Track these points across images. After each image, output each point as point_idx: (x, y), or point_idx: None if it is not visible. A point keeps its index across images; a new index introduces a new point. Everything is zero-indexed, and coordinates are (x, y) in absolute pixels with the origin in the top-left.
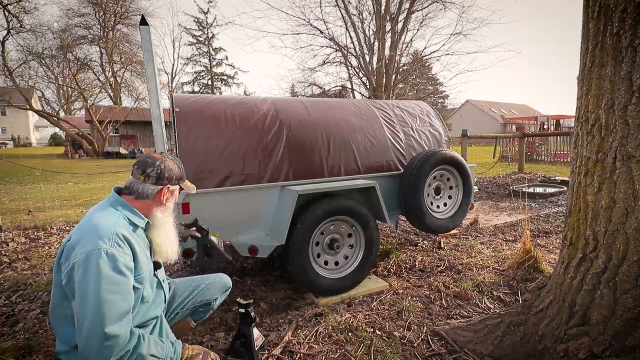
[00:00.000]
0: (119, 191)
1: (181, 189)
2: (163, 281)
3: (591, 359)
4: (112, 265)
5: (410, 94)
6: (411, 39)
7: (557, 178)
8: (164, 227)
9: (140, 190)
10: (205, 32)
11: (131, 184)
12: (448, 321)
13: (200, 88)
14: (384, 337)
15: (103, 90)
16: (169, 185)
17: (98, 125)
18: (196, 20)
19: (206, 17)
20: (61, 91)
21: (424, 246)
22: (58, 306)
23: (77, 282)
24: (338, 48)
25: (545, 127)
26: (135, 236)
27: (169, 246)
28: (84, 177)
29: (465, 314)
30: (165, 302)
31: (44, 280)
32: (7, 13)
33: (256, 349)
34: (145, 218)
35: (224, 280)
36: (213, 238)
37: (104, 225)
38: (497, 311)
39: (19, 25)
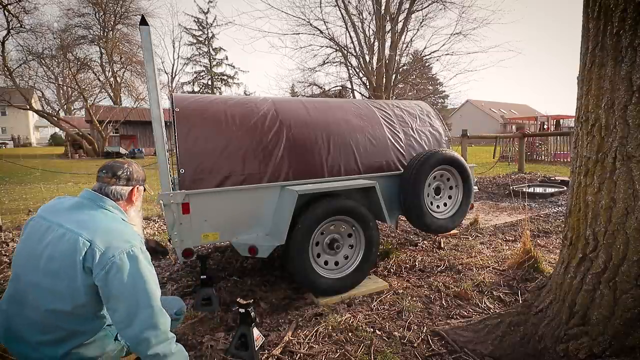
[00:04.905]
0: None
1: (144, 190)
2: None
3: (591, 359)
4: (147, 258)
5: (410, 94)
6: (411, 39)
7: (557, 178)
8: (136, 225)
9: (113, 192)
10: (205, 32)
11: (101, 188)
12: (448, 321)
13: (200, 88)
14: (384, 337)
15: (103, 90)
16: (138, 186)
17: (98, 125)
18: (196, 20)
19: (206, 17)
20: (61, 91)
21: (424, 246)
22: (85, 306)
23: (122, 281)
24: (338, 48)
25: (545, 127)
26: None
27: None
28: (84, 177)
29: (465, 314)
30: None
31: None
32: (7, 13)
33: (256, 349)
34: (126, 215)
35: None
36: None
37: (122, 227)
38: (497, 311)
39: (19, 25)
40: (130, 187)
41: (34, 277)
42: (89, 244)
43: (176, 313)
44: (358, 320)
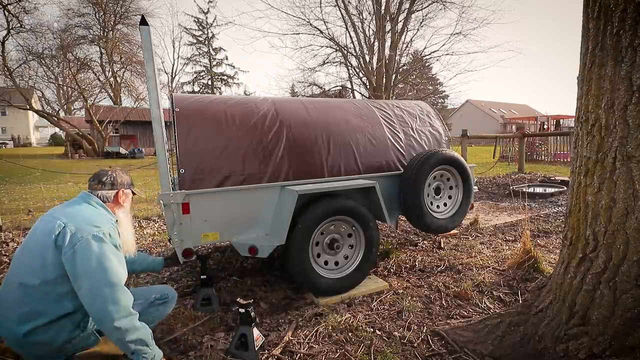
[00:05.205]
0: None
1: (133, 194)
2: None
3: (591, 359)
4: (113, 242)
5: (410, 94)
6: (411, 39)
7: (557, 178)
8: (126, 225)
9: (100, 195)
10: (205, 32)
11: (90, 193)
12: (448, 321)
13: (200, 88)
14: (384, 337)
15: (103, 90)
16: (123, 189)
17: (98, 125)
18: (196, 20)
19: (206, 17)
20: (61, 91)
21: (424, 246)
22: (52, 283)
23: (87, 259)
24: (338, 48)
25: (545, 127)
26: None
27: (131, 242)
28: (84, 177)
29: (465, 314)
30: None
31: None
32: (7, 13)
33: (256, 349)
34: (114, 215)
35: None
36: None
37: (97, 216)
38: (497, 311)
39: (19, 25)
40: (115, 191)
41: (21, 259)
42: (63, 225)
43: (158, 298)
44: (358, 320)
